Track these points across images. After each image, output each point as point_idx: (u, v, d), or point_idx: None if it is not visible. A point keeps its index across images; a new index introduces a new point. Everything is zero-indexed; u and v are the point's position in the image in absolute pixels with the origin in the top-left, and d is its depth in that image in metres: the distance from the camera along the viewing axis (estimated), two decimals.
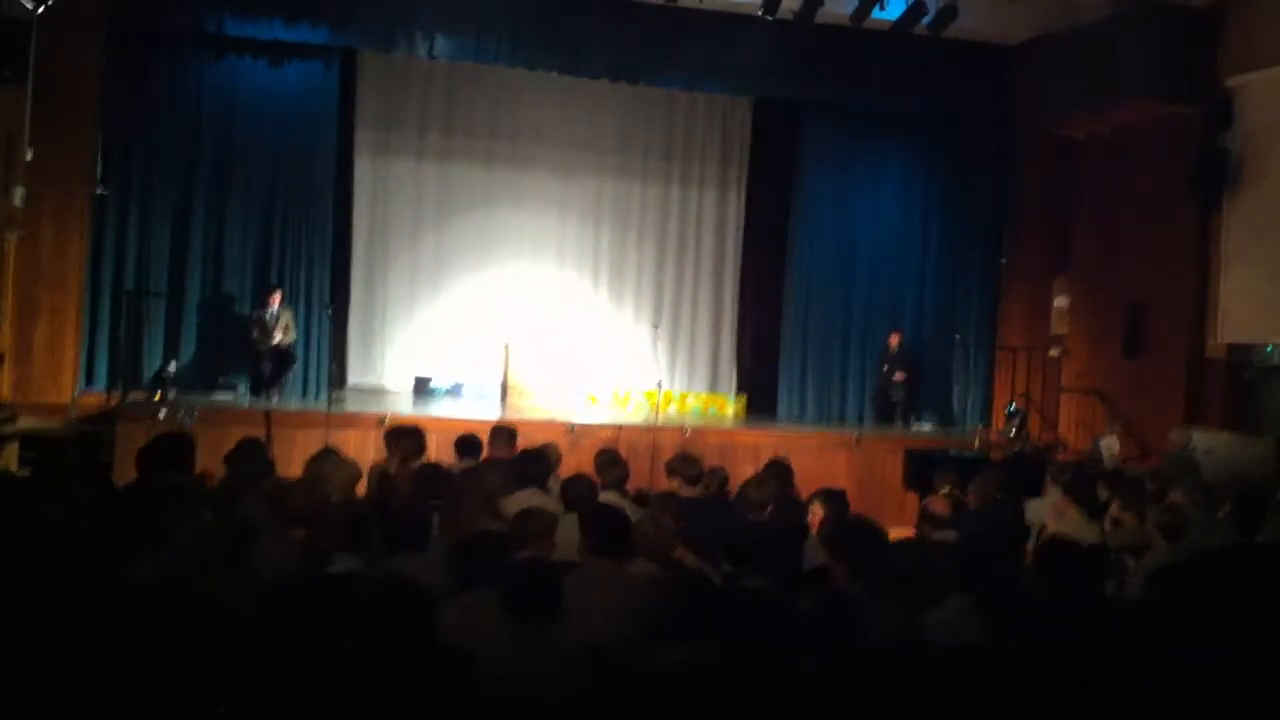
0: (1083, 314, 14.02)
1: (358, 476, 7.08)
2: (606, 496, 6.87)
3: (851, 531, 5.22)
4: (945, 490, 8.30)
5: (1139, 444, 12.01)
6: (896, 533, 7.96)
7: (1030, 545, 7.42)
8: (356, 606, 3.16)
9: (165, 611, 3.28)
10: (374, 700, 2.83)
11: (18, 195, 10.91)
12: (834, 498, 6.87)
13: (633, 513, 6.05)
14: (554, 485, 7.32)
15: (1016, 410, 13.30)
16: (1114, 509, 7.49)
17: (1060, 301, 14.35)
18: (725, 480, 7.98)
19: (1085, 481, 8.18)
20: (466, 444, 8.18)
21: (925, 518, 7.00)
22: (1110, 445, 11.50)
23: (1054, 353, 14.19)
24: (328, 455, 7.22)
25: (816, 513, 6.76)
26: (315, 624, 2.99)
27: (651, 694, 3.13)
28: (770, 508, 7.05)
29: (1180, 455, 10.24)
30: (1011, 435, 13.06)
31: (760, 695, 3.50)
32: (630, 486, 7.75)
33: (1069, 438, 13.30)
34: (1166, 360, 12.41)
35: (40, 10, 10.24)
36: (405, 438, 7.89)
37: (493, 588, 4.17)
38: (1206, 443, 10.46)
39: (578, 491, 6.60)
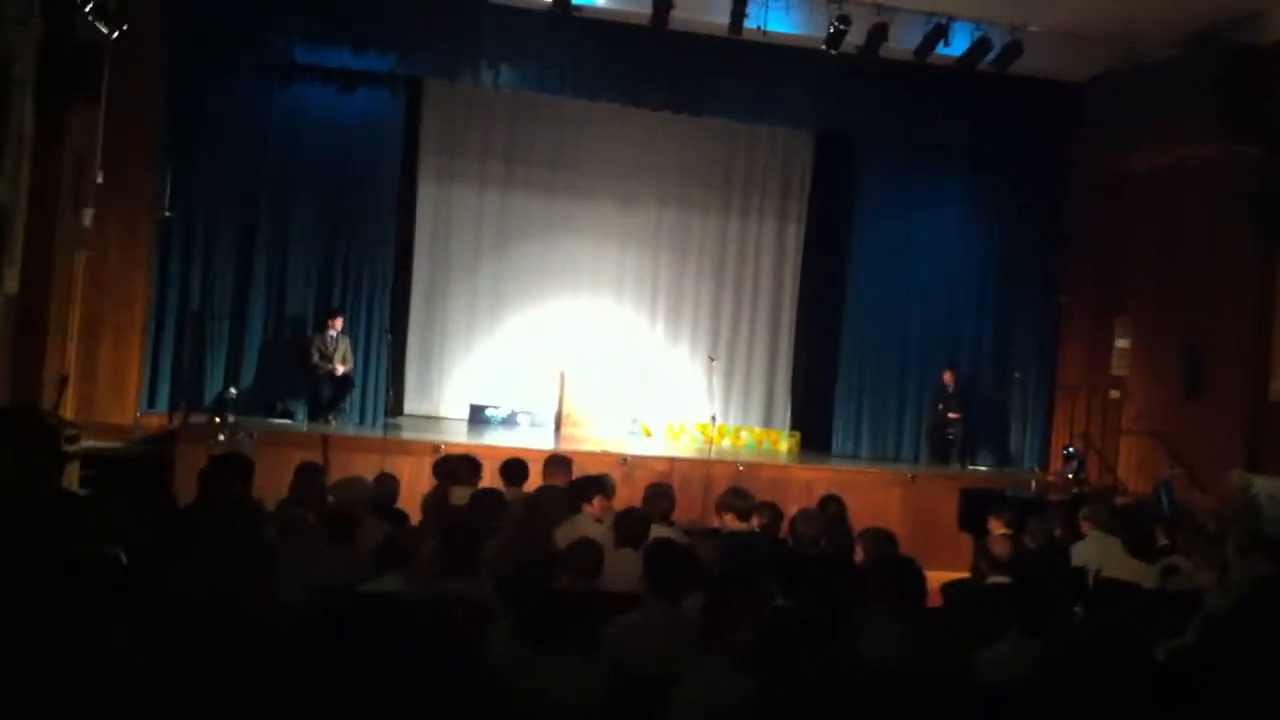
0: (1142, 354, 13.83)
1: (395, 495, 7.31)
2: (657, 529, 6.85)
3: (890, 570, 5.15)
4: (1001, 531, 8.19)
5: (1200, 488, 11.80)
6: (950, 573, 7.89)
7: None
8: (401, 626, 3.20)
9: (214, 621, 3.34)
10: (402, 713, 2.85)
11: (87, 216, 11.11)
12: (877, 538, 6.80)
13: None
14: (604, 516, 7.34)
15: (1075, 452, 13.13)
16: (1173, 555, 7.38)
17: (1121, 342, 14.18)
18: (779, 516, 7.86)
19: (1136, 523, 8.04)
20: (512, 469, 8.28)
21: (985, 557, 6.86)
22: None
23: (1114, 394, 14.02)
24: (374, 478, 7.56)
25: (859, 553, 6.71)
26: (354, 639, 3.03)
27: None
28: (824, 542, 7.01)
29: (1242, 501, 10.05)
30: (1070, 477, 12.89)
31: None
32: (685, 520, 7.73)
33: (1128, 481, 13.10)
34: (1227, 403, 12.20)
35: (115, 35, 10.42)
36: (460, 465, 8.23)
37: (534, 614, 4.20)
38: (1269, 488, 10.24)
39: (630, 526, 6.57)
